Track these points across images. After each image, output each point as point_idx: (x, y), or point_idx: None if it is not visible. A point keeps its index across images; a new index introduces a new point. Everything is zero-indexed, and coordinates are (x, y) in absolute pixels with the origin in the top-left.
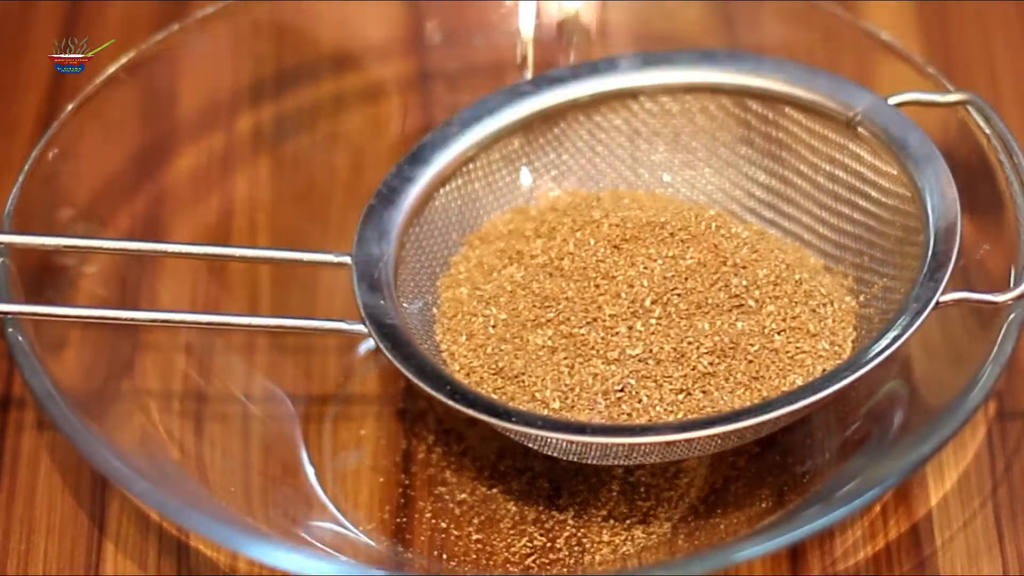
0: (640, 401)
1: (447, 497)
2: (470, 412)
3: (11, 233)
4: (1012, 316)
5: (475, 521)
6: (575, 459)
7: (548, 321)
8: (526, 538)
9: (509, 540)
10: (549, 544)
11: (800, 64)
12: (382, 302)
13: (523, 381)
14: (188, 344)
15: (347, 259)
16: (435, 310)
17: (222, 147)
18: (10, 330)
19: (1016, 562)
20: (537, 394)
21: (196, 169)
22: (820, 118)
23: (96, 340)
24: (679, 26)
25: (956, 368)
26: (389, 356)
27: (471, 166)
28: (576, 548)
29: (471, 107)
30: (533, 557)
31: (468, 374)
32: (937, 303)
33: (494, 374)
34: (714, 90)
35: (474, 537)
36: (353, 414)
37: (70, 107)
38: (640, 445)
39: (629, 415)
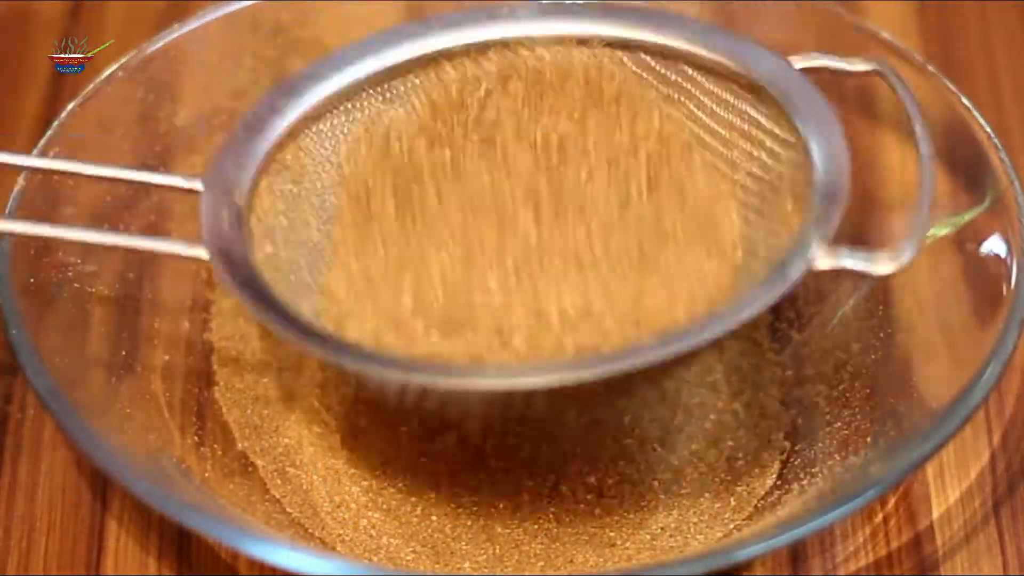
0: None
1: (450, 493)
2: (298, 343)
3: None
4: (1013, 314)
5: (481, 519)
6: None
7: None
8: (530, 535)
9: (516, 539)
10: (552, 543)
11: (702, 23)
12: (229, 229)
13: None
14: (190, 342)
15: (198, 184)
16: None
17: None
18: (13, 331)
19: (1016, 562)
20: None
21: (197, 168)
22: (718, 77)
23: (98, 339)
24: None
25: (956, 367)
26: (224, 279)
27: (347, 105)
28: (580, 547)
29: (353, 45)
30: (537, 561)
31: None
32: (809, 268)
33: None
34: (611, 44)
35: (481, 536)
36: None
37: (71, 106)
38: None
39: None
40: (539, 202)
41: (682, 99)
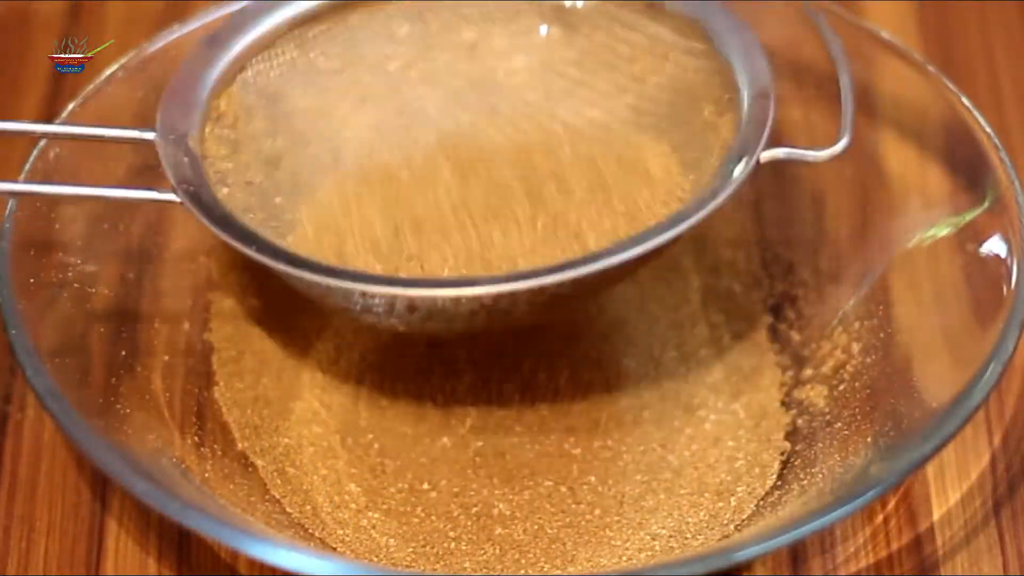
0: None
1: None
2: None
3: (12, 235)
4: (1013, 314)
5: (480, 519)
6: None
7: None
8: (530, 535)
9: (516, 539)
10: (552, 543)
11: None
12: (191, 172)
13: None
14: (190, 343)
15: (151, 135)
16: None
17: None
18: (13, 331)
19: (1016, 562)
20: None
21: None
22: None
23: (98, 339)
24: None
25: (956, 367)
26: (202, 220)
27: (272, 52)
28: (580, 547)
29: None
30: (537, 561)
31: None
32: (757, 161)
33: None
34: None
35: (481, 536)
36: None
37: (71, 106)
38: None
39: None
40: (482, 139)
41: (590, 29)
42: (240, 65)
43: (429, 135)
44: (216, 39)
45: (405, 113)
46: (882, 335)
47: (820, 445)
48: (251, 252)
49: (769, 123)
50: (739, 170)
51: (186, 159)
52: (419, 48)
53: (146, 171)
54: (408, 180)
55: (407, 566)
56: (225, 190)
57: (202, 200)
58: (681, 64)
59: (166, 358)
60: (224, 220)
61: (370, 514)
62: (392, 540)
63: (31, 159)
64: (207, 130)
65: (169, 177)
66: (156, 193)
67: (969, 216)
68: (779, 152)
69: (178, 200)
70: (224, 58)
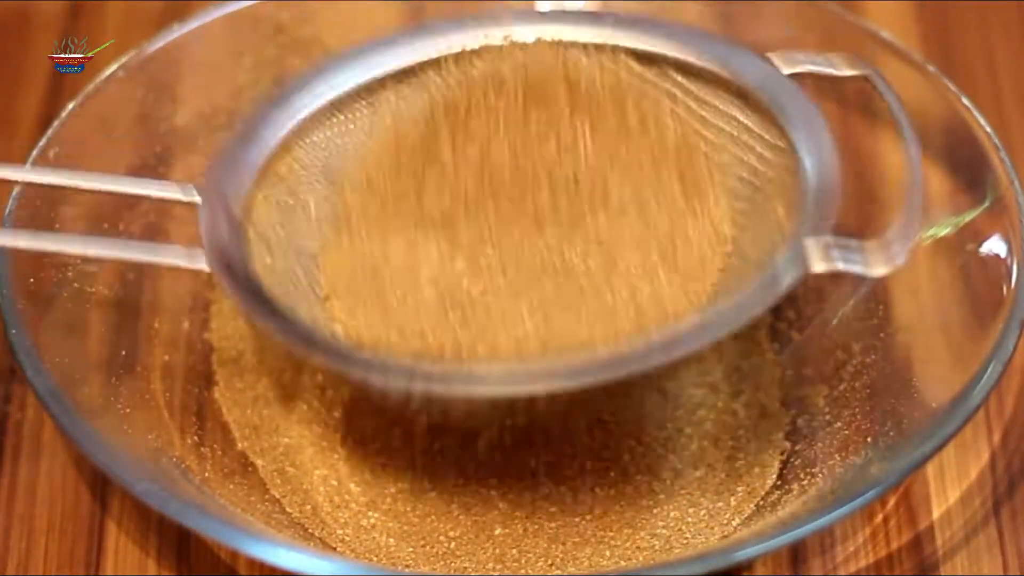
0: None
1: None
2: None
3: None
4: (1013, 314)
5: (481, 519)
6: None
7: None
8: (530, 535)
9: (516, 539)
10: (552, 543)
11: (689, 28)
12: (227, 240)
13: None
14: (189, 342)
15: (195, 196)
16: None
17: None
18: (13, 330)
19: (1016, 562)
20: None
21: (196, 169)
22: (705, 83)
23: (98, 339)
24: None
25: (956, 367)
26: (227, 289)
27: (339, 116)
28: (580, 547)
29: (345, 55)
30: (537, 561)
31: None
32: (805, 271)
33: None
34: (598, 49)
35: (481, 536)
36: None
37: (71, 106)
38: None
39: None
40: (532, 207)
41: (669, 104)
42: (305, 129)
43: (496, 210)
44: (281, 99)
45: (474, 185)
46: (882, 335)
47: (820, 445)
48: (267, 326)
49: (828, 230)
50: (791, 276)
51: (226, 224)
52: (504, 116)
53: (144, 171)
54: (467, 266)
55: (407, 566)
56: (267, 258)
57: (232, 268)
58: (762, 157)
59: (166, 358)
60: (250, 292)
61: (370, 514)
62: (392, 540)
63: (31, 158)
64: (259, 195)
65: (203, 241)
66: (186, 261)
67: (969, 216)
68: (838, 264)
69: (206, 269)
70: (286, 122)
